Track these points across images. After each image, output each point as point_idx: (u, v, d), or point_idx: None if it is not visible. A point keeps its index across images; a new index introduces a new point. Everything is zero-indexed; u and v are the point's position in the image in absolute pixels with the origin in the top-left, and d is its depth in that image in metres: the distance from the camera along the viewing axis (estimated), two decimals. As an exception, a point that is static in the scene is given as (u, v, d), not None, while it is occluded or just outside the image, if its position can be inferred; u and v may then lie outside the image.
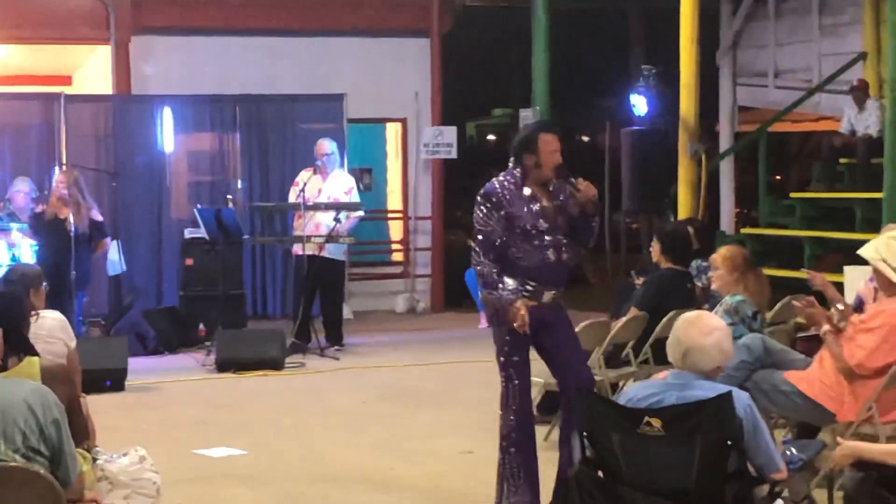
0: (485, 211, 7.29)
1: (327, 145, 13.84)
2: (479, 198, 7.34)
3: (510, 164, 7.42)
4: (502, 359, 7.43)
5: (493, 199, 7.29)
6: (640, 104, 16.19)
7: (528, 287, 7.29)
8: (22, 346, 5.30)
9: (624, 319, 9.31)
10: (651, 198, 15.80)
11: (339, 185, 13.77)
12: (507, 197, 7.29)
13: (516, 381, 7.43)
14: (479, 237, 7.30)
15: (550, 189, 7.44)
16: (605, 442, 5.22)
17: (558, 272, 7.41)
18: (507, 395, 7.45)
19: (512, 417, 7.45)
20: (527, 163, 7.35)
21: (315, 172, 13.69)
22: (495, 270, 7.23)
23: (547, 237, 7.32)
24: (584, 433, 5.32)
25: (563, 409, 7.57)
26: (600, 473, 5.29)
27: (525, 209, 7.29)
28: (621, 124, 17.74)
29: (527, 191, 7.34)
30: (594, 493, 5.17)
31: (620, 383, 9.39)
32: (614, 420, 5.20)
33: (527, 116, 17.12)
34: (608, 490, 5.18)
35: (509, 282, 7.26)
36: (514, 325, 7.14)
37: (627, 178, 15.96)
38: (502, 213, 7.26)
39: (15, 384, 4.94)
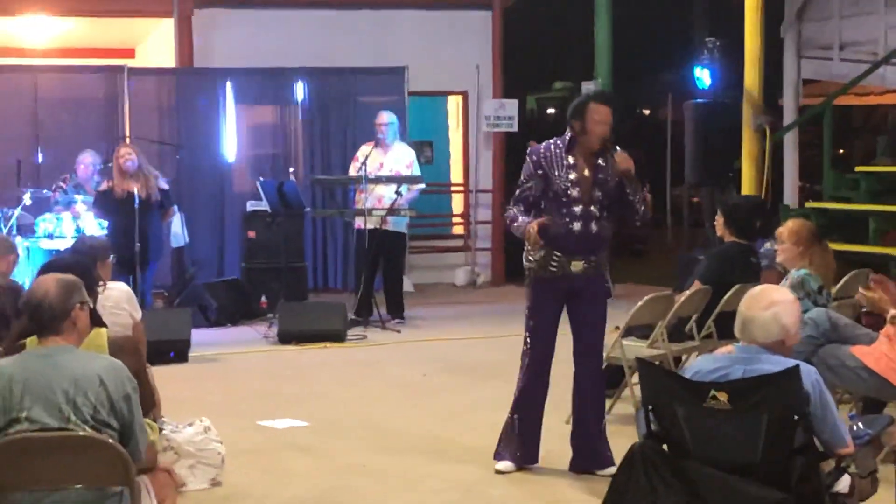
0: (525, 166, 7.60)
1: (386, 116, 13.88)
2: (526, 153, 7.64)
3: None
4: (525, 323, 7.76)
5: (535, 157, 7.57)
6: (703, 77, 16.07)
7: (554, 258, 7.53)
8: (90, 318, 5.33)
9: (687, 293, 9.26)
10: (714, 171, 15.67)
11: (400, 158, 13.81)
12: (548, 157, 7.52)
13: (529, 347, 7.73)
14: (517, 189, 7.66)
15: (600, 163, 7.54)
16: (670, 415, 5.20)
17: (585, 243, 7.54)
18: (523, 358, 7.81)
19: (521, 380, 7.83)
20: (575, 128, 7.52)
21: (376, 146, 13.72)
22: (520, 210, 7.57)
23: (576, 207, 7.48)
24: (649, 406, 5.30)
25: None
26: (665, 447, 5.27)
27: (562, 174, 7.47)
28: (683, 97, 17.63)
29: (570, 158, 7.52)
30: (659, 466, 5.15)
31: (683, 357, 9.36)
32: (680, 393, 5.17)
33: (589, 89, 17.03)
34: (673, 464, 5.16)
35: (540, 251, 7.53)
36: (529, 243, 7.45)
37: (690, 151, 15.84)
38: (540, 171, 7.52)
39: (90, 357, 4.98)
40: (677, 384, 5.23)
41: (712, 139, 15.41)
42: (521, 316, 7.94)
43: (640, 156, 8.11)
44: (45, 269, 6.19)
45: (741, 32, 15.43)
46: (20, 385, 4.76)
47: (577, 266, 7.53)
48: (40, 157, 15.25)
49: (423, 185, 13.96)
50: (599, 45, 17.15)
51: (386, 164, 13.69)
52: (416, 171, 13.84)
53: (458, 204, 18.58)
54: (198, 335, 12.19)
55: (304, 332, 12.60)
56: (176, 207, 13.67)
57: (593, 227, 7.51)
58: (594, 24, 17.28)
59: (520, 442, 7.83)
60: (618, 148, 7.48)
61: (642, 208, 7.63)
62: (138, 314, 7.73)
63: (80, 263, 6.13)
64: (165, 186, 13.04)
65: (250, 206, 14.86)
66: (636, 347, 9.02)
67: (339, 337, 12.64)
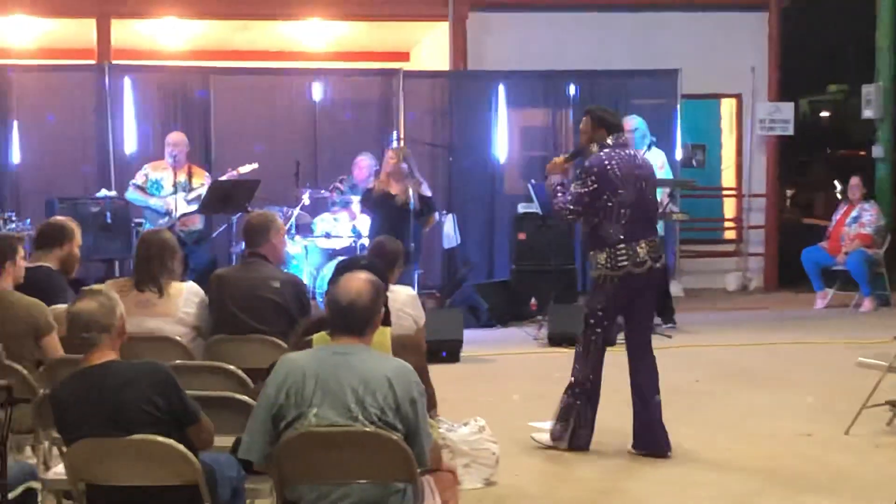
0: None
1: (632, 121, 13.76)
2: None
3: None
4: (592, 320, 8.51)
5: None
6: None
7: None
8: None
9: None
10: None
11: (652, 161, 13.65)
12: None
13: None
14: None
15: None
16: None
17: None
18: (590, 349, 8.53)
19: (590, 370, 8.47)
20: None
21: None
22: None
23: None
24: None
25: None
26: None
27: None
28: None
29: None
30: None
31: None
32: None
33: (869, 92, 16.61)
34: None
35: None
36: None
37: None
38: None
39: (381, 359, 5.04)
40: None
41: None
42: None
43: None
44: (344, 269, 6.28)
45: None
46: (313, 380, 4.85)
47: None
48: (318, 159, 15.62)
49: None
50: (881, 44, 16.70)
51: (640, 167, 13.55)
52: (667, 174, 13.69)
53: (729, 208, 18.33)
54: (469, 335, 12.29)
55: (575, 335, 12.53)
56: (437, 215, 13.72)
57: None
58: (875, 23, 16.81)
59: (591, 428, 8.53)
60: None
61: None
62: (422, 319, 7.78)
63: (377, 266, 6.24)
64: (427, 193, 13.12)
65: (521, 208, 14.91)
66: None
67: (608, 341, 12.53)
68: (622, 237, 8.12)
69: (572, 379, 8.49)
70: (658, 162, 13.65)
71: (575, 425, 8.37)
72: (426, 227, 13.35)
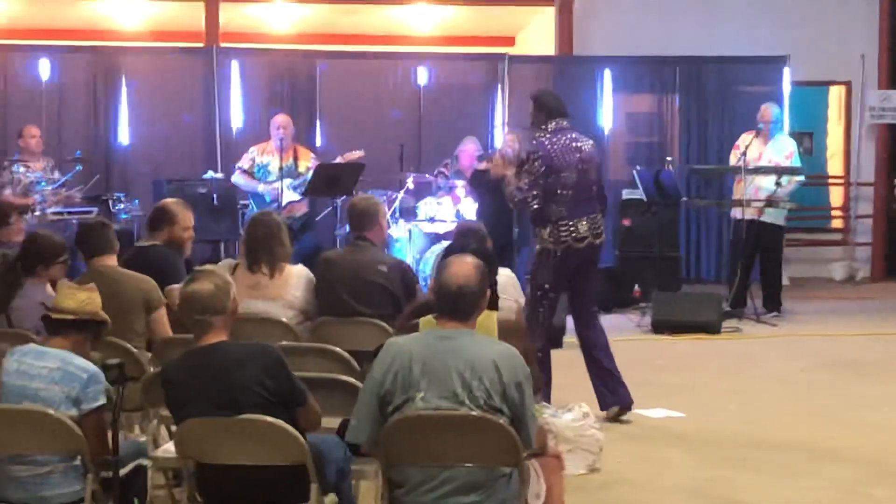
0: None
1: (771, 112, 13.60)
2: None
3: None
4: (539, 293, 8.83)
5: None
6: None
7: None
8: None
9: None
10: None
11: (780, 149, 13.55)
12: None
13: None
14: None
15: None
16: None
17: None
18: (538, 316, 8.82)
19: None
20: None
21: (756, 136, 13.50)
22: None
23: None
24: None
25: None
26: None
27: None
28: None
29: None
30: None
31: None
32: None
33: None
34: None
35: None
36: None
37: None
38: None
39: (487, 342, 5.06)
40: None
41: None
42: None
43: None
44: (451, 253, 6.30)
45: None
46: (419, 364, 4.87)
47: None
48: (422, 143, 15.66)
49: (802, 178, 13.62)
50: None
51: (765, 154, 13.45)
52: (797, 163, 13.53)
53: (835, 197, 18.10)
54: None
55: (679, 323, 12.53)
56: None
57: None
58: None
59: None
60: None
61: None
62: (522, 300, 7.82)
63: (487, 251, 6.26)
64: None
65: (626, 194, 14.84)
66: None
67: (713, 328, 12.52)
68: (565, 215, 8.66)
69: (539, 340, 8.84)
70: (788, 151, 13.54)
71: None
72: None
